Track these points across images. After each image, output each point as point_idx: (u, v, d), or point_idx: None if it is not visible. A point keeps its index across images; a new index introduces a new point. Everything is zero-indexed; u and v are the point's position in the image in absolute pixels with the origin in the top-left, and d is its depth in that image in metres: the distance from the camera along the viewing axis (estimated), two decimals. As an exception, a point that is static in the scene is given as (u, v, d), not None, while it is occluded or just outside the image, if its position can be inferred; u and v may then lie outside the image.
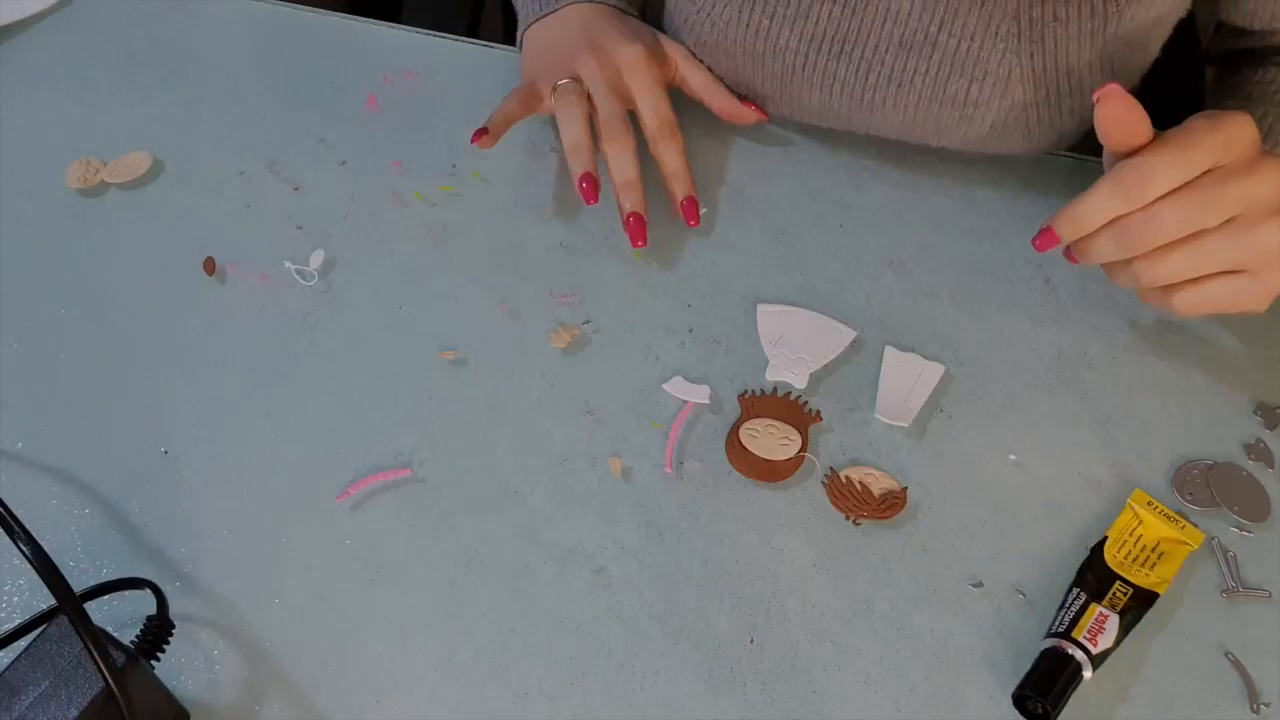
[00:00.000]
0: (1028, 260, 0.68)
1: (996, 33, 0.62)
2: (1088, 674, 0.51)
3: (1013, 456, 0.60)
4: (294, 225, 0.69)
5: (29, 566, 0.44)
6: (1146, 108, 0.54)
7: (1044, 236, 0.56)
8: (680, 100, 0.70)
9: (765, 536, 0.58)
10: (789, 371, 0.63)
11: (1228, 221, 0.53)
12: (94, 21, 0.80)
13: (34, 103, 0.76)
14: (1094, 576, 0.55)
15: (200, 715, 0.52)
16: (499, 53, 0.79)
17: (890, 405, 0.61)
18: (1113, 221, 0.54)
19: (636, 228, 0.65)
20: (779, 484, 0.59)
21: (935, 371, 0.63)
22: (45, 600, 0.50)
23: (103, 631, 0.45)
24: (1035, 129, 0.67)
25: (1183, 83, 0.83)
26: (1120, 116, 0.53)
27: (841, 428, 0.61)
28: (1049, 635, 0.53)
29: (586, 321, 0.65)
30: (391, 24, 0.81)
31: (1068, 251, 0.58)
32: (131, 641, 0.49)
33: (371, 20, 0.81)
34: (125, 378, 0.63)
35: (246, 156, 0.73)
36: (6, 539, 0.45)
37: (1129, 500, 0.58)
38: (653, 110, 0.68)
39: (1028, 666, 0.52)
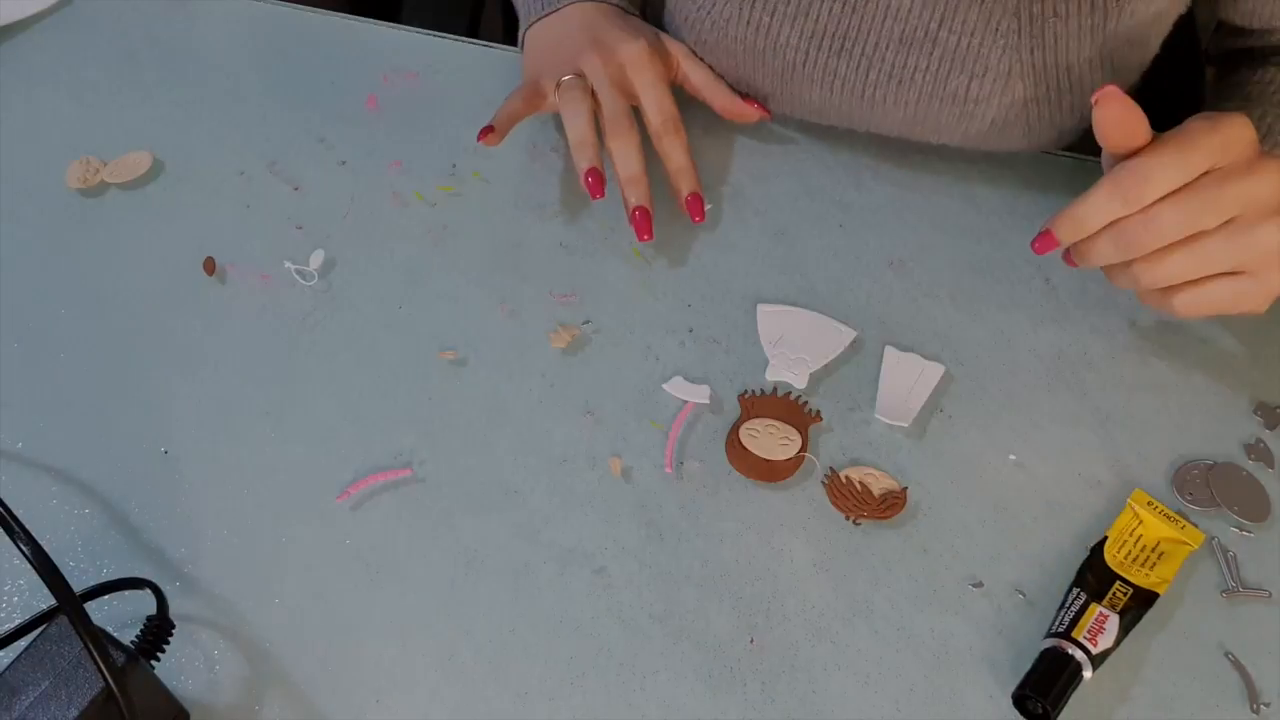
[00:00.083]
0: (1028, 260, 0.68)
1: (997, 29, 0.62)
2: (1088, 674, 0.51)
3: (1013, 456, 0.60)
4: (294, 225, 0.69)
5: (29, 566, 0.44)
6: (1146, 108, 0.54)
7: (1043, 239, 0.56)
8: (681, 99, 0.70)
9: (765, 536, 0.58)
10: (789, 371, 0.63)
11: (1227, 223, 0.53)
12: (94, 21, 0.80)
13: (34, 103, 0.76)
14: (1094, 576, 0.55)
15: (200, 715, 0.52)
16: (499, 53, 0.79)
17: (890, 405, 0.61)
18: (1112, 224, 0.54)
19: (642, 222, 0.65)
20: (779, 484, 0.59)
21: (935, 371, 0.63)
22: (45, 600, 0.50)
23: (103, 631, 0.45)
24: (1035, 126, 0.67)
25: (1182, 83, 0.83)
26: (1118, 118, 0.53)
27: (841, 428, 0.61)
28: (1049, 635, 0.53)
29: (586, 321, 0.65)
30: (391, 24, 0.81)
31: (1066, 254, 0.58)
32: (131, 641, 0.49)
33: (371, 20, 0.81)
34: (125, 378, 0.63)
35: (246, 156, 0.73)
36: (6, 539, 0.45)
37: (1129, 500, 0.58)
38: (656, 106, 0.68)
39: (1028, 666, 0.52)
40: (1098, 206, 0.54)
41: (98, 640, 0.43)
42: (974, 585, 0.56)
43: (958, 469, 0.60)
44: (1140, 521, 0.57)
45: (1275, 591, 0.56)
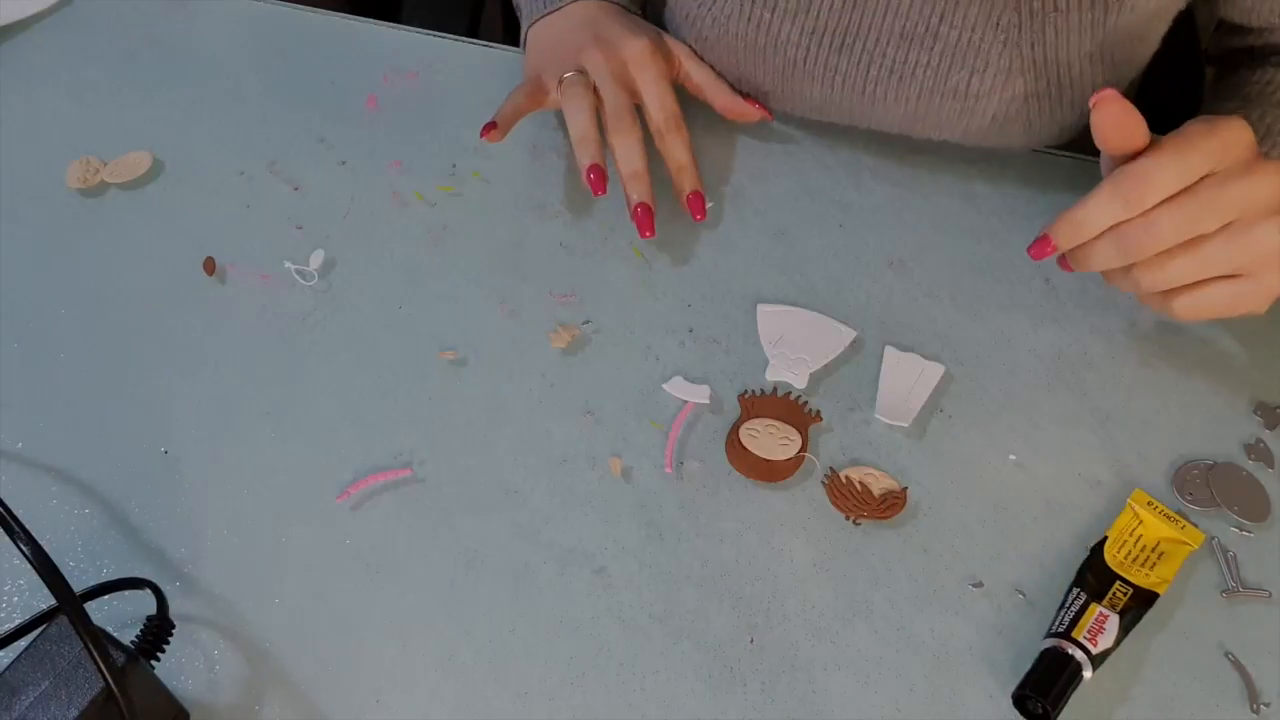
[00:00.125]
0: (1028, 260, 0.67)
1: (998, 24, 0.62)
2: (1088, 674, 0.51)
3: (1013, 456, 0.60)
4: (294, 225, 0.69)
5: (29, 566, 0.44)
6: (1145, 109, 0.54)
7: (1039, 245, 0.56)
8: (682, 98, 0.70)
9: (765, 536, 0.58)
10: (789, 371, 0.63)
11: (1226, 225, 0.53)
12: (94, 21, 0.80)
13: (34, 103, 0.76)
14: (1094, 576, 0.55)
15: (200, 715, 0.52)
16: (499, 53, 0.79)
17: (890, 405, 0.61)
18: (1112, 228, 0.54)
19: (644, 218, 0.65)
20: (779, 484, 0.59)
21: (935, 371, 0.63)
22: (45, 600, 0.50)
23: (103, 631, 0.45)
24: (1036, 121, 0.67)
25: (1182, 84, 0.83)
26: (1117, 121, 0.53)
27: (841, 428, 0.61)
28: (1049, 635, 0.53)
29: (586, 321, 0.65)
30: (391, 24, 0.81)
31: (1062, 259, 0.58)
32: (131, 641, 0.49)
33: (371, 20, 0.81)
34: (125, 378, 0.63)
35: (246, 156, 0.73)
36: (6, 539, 0.45)
37: (1129, 500, 0.58)
38: (658, 103, 0.68)
39: (1028, 666, 0.52)
40: (1098, 210, 0.54)
41: (98, 640, 0.44)
42: (974, 585, 0.56)
43: (958, 469, 0.60)
44: (1140, 521, 0.57)
45: (1275, 591, 0.56)
